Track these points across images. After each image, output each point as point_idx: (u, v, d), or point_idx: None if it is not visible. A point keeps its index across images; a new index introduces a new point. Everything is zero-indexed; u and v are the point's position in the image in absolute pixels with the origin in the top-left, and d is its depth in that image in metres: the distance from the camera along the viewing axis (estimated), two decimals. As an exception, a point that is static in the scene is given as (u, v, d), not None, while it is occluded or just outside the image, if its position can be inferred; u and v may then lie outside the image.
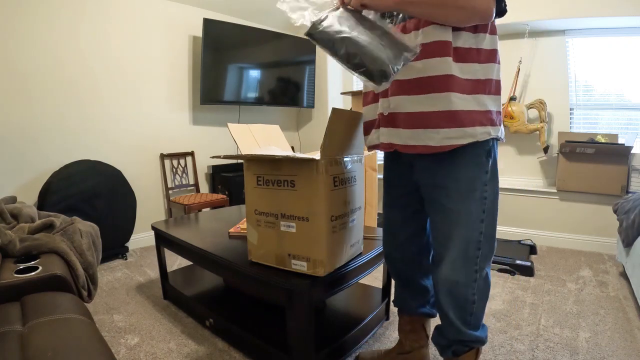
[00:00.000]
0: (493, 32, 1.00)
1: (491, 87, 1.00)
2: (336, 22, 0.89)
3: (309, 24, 0.90)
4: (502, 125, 1.05)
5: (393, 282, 1.40)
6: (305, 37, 0.92)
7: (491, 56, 1.00)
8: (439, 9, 0.91)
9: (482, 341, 1.12)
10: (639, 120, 2.76)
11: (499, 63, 1.02)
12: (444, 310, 1.10)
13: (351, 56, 0.87)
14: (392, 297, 1.37)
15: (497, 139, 1.03)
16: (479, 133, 0.97)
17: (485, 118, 0.98)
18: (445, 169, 1.02)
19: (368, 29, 0.90)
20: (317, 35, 0.89)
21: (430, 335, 1.35)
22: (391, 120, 1.05)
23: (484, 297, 1.10)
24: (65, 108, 2.44)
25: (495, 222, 1.07)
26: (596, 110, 2.88)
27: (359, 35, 0.88)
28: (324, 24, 0.89)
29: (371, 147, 1.16)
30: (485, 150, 1.00)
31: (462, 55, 0.96)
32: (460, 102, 0.95)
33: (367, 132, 1.17)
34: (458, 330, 1.09)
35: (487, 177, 1.02)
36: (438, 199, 1.06)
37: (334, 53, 0.89)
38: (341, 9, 0.93)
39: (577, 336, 1.57)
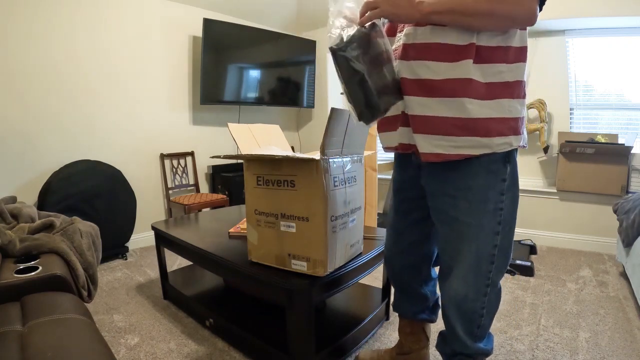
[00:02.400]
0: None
1: (519, 90, 0.91)
2: (358, 52, 0.85)
3: (334, 39, 0.85)
4: (525, 130, 0.96)
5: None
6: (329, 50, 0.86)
7: (520, 55, 0.90)
8: (472, 18, 0.82)
9: (487, 353, 1.08)
10: (639, 120, 2.76)
11: (526, 61, 0.92)
12: (450, 323, 1.05)
13: (350, 94, 0.88)
14: (392, 298, 1.37)
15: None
16: (497, 144, 0.88)
17: (508, 127, 0.89)
18: (455, 176, 0.94)
19: (375, 64, 0.87)
20: (339, 58, 0.85)
21: (431, 338, 1.35)
22: (406, 120, 0.98)
23: (493, 310, 1.05)
24: (65, 108, 2.44)
25: (512, 233, 0.99)
26: (596, 110, 2.88)
27: (369, 77, 0.86)
28: (351, 50, 0.84)
29: (388, 149, 1.09)
30: (502, 156, 0.92)
31: (487, 56, 0.87)
32: (477, 109, 0.87)
33: (380, 130, 1.09)
34: (464, 344, 1.04)
35: (504, 186, 0.92)
36: (445, 209, 0.98)
37: (342, 81, 0.87)
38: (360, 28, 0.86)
39: (577, 336, 1.57)
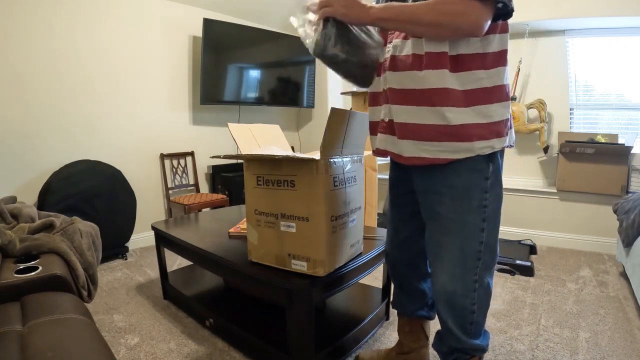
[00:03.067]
0: (504, 30, 0.91)
1: (500, 94, 0.93)
2: (332, 40, 0.91)
3: (311, 45, 0.94)
4: (511, 130, 0.98)
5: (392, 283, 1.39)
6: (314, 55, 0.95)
7: (499, 59, 0.92)
8: (417, 26, 0.86)
9: (483, 349, 1.09)
10: (639, 120, 2.76)
11: (507, 65, 0.94)
12: (443, 319, 1.07)
13: (345, 75, 0.97)
14: (392, 298, 1.37)
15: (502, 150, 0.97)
16: (479, 147, 0.92)
17: (489, 131, 0.92)
18: (440, 175, 0.98)
19: (353, 41, 0.92)
20: (324, 59, 0.94)
21: (431, 338, 1.36)
22: (389, 127, 1.02)
23: (484, 306, 1.06)
24: (65, 108, 2.44)
25: (497, 230, 1.02)
26: (596, 110, 2.88)
27: (349, 56, 0.92)
28: (328, 50, 0.91)
29: (373, 152, 1.14)
30: (485, 157, 0.94)
31: (464, 63, 0.89)
32: (457, 116, 0.90)
33: (371, 133, 1.14)
34: (458, 339, 1.05)
35: (487, 184, 0.96)
36: (431, 205, 1.02)
37: (334, 70, 0.96)
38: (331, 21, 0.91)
39: (577, 336, 1.57)
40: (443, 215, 0.99)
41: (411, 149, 0.97)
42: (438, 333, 1.17)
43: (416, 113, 0.94)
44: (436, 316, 1.30)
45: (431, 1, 0.83)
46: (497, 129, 0.93)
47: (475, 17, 0.81)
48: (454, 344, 1.08)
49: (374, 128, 1.11)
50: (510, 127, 0.99)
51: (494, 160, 0.96)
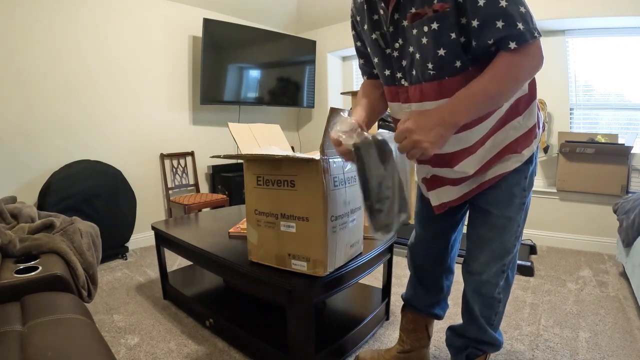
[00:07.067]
0: None
1: (534, 130, 0.97)
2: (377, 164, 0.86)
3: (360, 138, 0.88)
4: (540, 113, 1.01)
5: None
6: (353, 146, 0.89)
7: (528, 97, 0.94)
8: (494, 100, 0.82)
9: (499, 345, 1.13)
10: (639, 120, 2.76)
11: (534, 86, 0.95)
12: (470, 307, 1.11)
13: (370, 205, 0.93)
14: (405, 292, 1.36)
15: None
16: (526, 154, 0.98)
17: (531, 136, 0.98)
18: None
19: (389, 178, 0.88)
20: (361, 152, 0.87)
21: (440, 336, 1.35)
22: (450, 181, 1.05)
23: (506, 296, 1.12)
24: (65, 108, 2.44)
25: (524, 225, 1.09)
26: (596, 110, 2.88)
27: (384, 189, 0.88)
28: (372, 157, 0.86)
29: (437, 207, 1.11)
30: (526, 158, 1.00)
31: (504, 121, 0.93)
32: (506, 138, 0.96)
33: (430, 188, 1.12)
34: (481, 328, 1.09)
35: (526, 183, 1.02)
36: (476, 203, 1.07)
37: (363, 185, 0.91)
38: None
39: (577, 336, 1.57)
40: (491, 214, 1.04)
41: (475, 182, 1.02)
42: (452, 328, 1.19)
43: (474, 160, 0.97)
44: (445, 315, 1.32)
45: (492, 72, 0.78)
46: (534, 132, 0.98)
47: (538, 55, 0.79)
48: (474, 334, 1.11)
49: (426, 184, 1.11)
50: (540, 120, 1.01)
51: (531, 160, 1.01)
